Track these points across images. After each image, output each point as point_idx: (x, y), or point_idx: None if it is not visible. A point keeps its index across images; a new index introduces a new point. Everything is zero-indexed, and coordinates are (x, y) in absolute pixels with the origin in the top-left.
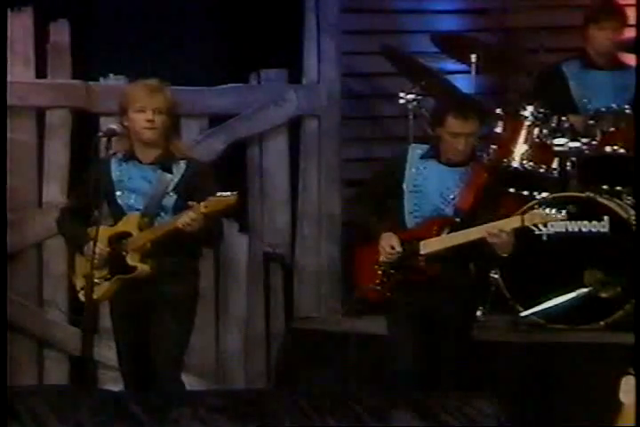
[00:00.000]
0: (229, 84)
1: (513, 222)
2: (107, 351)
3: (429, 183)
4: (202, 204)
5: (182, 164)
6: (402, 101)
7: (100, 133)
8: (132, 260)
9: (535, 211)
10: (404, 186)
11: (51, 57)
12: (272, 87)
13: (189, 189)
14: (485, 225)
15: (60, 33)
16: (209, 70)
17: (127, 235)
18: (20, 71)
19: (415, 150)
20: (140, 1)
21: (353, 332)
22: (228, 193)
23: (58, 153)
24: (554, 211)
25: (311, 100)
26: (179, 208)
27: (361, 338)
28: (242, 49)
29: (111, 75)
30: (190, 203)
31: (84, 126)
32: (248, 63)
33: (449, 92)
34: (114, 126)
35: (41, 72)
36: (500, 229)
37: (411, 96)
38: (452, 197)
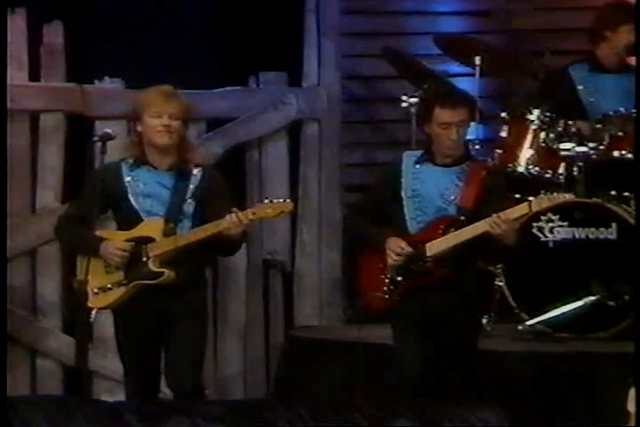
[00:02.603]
0: (228, 88)
1: (520, 210)
2: (101, 361)
3: (428, 186)
4: (249, 210)
5: (197, 171)
6: (404, 105)
7: (96, 138)
8: (155, 265)
9: (541, 196)
10: (403, 193)
11: (44, 59)
12: (271, 90)
13: (206, 197)
14: (492, 216)
15: (54, 35)
16: (207, 73)
17: (148, 240)
18: (14, 74)
19: (409, 157)
20: (137, 2)
21: (354, 341)
22: (281, 199)
23: (52, 157)
24: (561, 193)
25: (311, 103)
26: (198, 215)
27: (362, 347)
28: (241, 51)
29: (106, 77)
30: (235, 209)
31: (79, 130)
32: (247, 66)
33: (434, 86)
34: (109, 130)
35: (34, 75)
36: (507, 218)
37: (413, 99)
38: (452, 197)
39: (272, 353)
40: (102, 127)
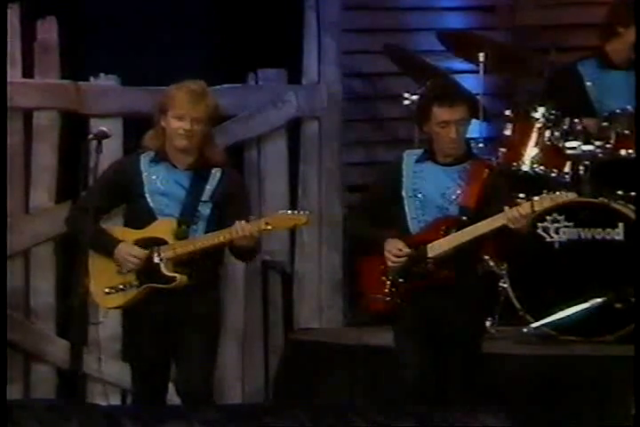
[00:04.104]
0: (226, 85)
1: (522, 209)
2: (96, 364)
3: (429, 186)
4: (263, 219)
5: (217, 172)
6: (406, 102)
7: (91, 136)
8: (167, 269)
9: (544, 195)
10: (403, 193)
11: (38, 56)
12: (270, 88)
13: (223, 199)
14: (492, 217)
15: (48, 30)
16: (205, 70)
17: (160, 241)
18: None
19: (410, 156)
20: None
21: (355, 343)
22: (296, 211)
23: (46, 156)
24: (564, 192)
25: (311, 101)
26: (214, 218)
27: (363, 350)
28: (239, 48)
29: (102, 74)
30: (252, 217)
31: (74, 128)
32: (246, 63)
33: (431, 84)
34: (104, 128)
35: (28, 72)
36: (526, 213)
37: (415, 97)
38: (454, 196)
39: (271, 356)
40: (98, 125)
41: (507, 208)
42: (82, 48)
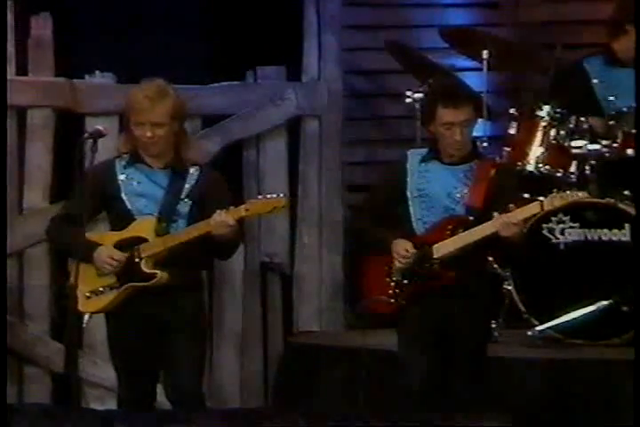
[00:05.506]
0: (224, 83)
1: (532, 209)
2: (91, 368)
3: (434, 185)
4: (242, 206)
5: (194, 170)
6: (408, 101)
7: (86, 135)
8: (147, 267)
9: (554, 194)
10: (408, 193)
11: (32, 53)
12: (270, 85)
13: (202, 198)
14: (500, 216)
15: (43, 27)
16: (202, 67)
17: (141, 240)
18: None
19: (414, 155)
20: None
21: (356, 347)
22: (275, 195)
23: (40, 155)
24: (575, 192)
25: (311, 99)
26: (193, 215)
27: (364, 353)
28: (238, 45)
29: (97, 72)
30: (232, 208)
31: (68, 127)
32: (244, 60)
33: (436, 84)
34: (100, 127)
35: (22, 69)
36: (518, 220)
37: (418, 95)
38: (460, 196)
39: (270, 360)
40: (93, 124)
41: (496, 215)
42: (77, 45)
